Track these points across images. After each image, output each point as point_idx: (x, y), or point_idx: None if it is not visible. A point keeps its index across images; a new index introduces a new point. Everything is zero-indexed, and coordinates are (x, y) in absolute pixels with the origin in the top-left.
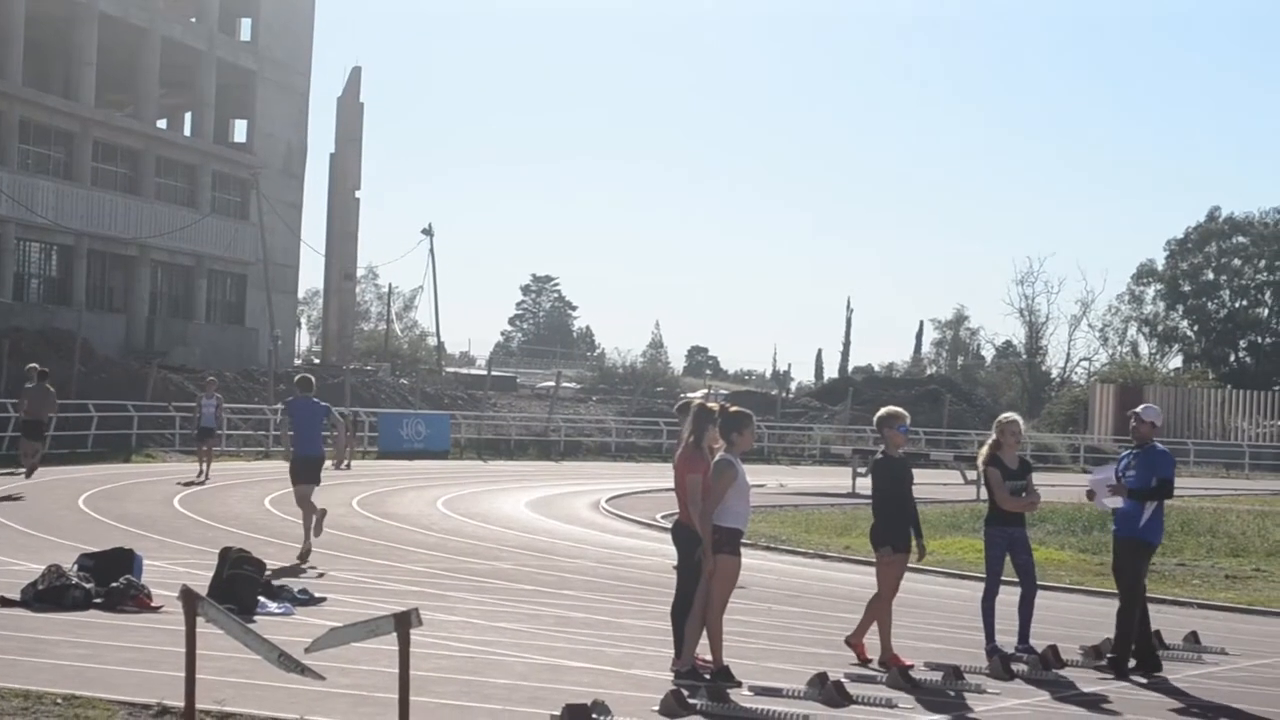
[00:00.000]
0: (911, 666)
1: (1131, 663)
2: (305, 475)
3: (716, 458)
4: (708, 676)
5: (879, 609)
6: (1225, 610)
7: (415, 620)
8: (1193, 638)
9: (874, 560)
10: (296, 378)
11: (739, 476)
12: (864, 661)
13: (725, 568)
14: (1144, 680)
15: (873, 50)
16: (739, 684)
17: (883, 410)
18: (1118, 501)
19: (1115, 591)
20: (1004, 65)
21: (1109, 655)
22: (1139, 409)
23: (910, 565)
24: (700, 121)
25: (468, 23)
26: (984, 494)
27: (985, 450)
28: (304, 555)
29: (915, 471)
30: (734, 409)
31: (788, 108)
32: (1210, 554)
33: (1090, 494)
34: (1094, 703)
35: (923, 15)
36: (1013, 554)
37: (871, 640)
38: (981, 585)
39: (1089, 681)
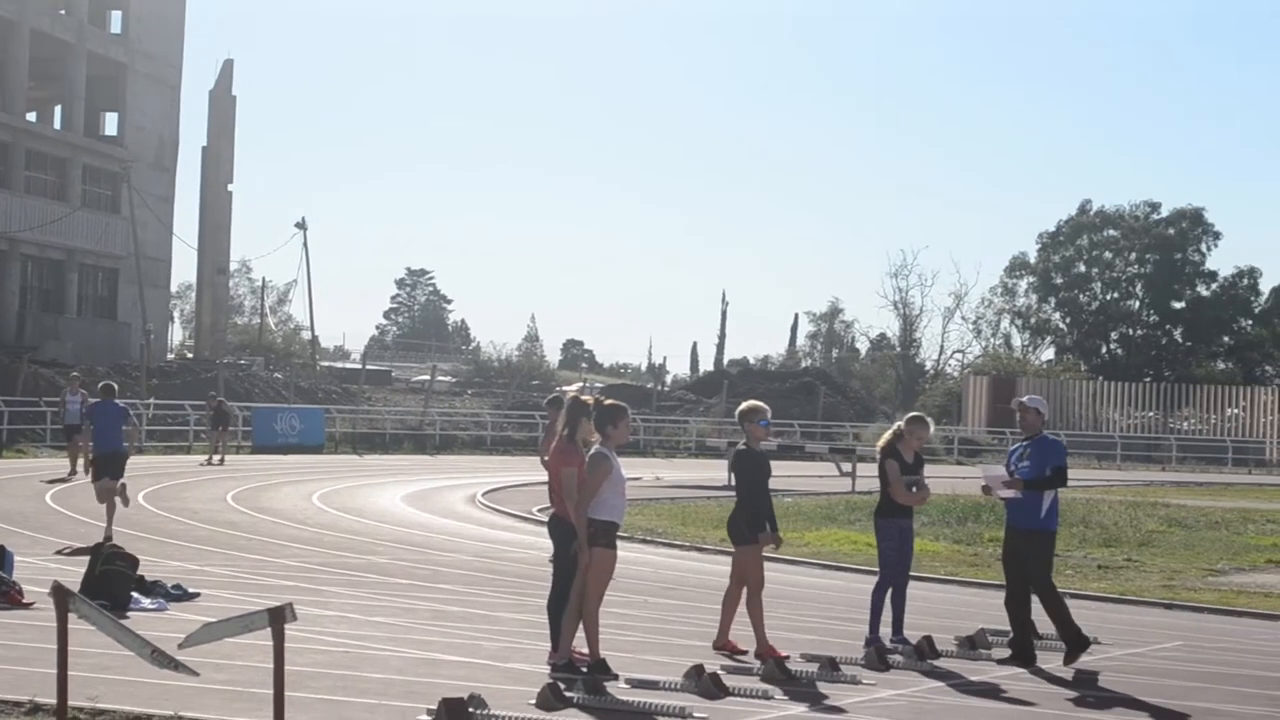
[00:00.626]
0: (787, 658)
1: (1007, 653)
2: (107, 470)
3: (591, 451)
4: (584, 670)
5: (735, 602)
6: (1098, 600)
7: (290, 615)
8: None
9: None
10: (100, 384)
11: (614, 469)
12: (737, 654)
13: (601, 561)
14: (1024, 670)
15: (746, 44)
16: (615, 677)
17: (744, 404)
18: (1014, 494)
19: (989, 582)
20: (878, 58)
21: (1010, 646)
22: (1024, 399)
23: (774, 555)
24: (574, 116)
25: (340, 16)
26: (861, 485)
27: (886, 440)
28: (106, 538)
29: (792, 464)
30: (608, 402)
31: (663, 101)
32: (1083, 544)
33: (986, 488)
34: (971, 692)
35: (796, 8)
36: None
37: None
38: (857, 576)
39: (966, 672)
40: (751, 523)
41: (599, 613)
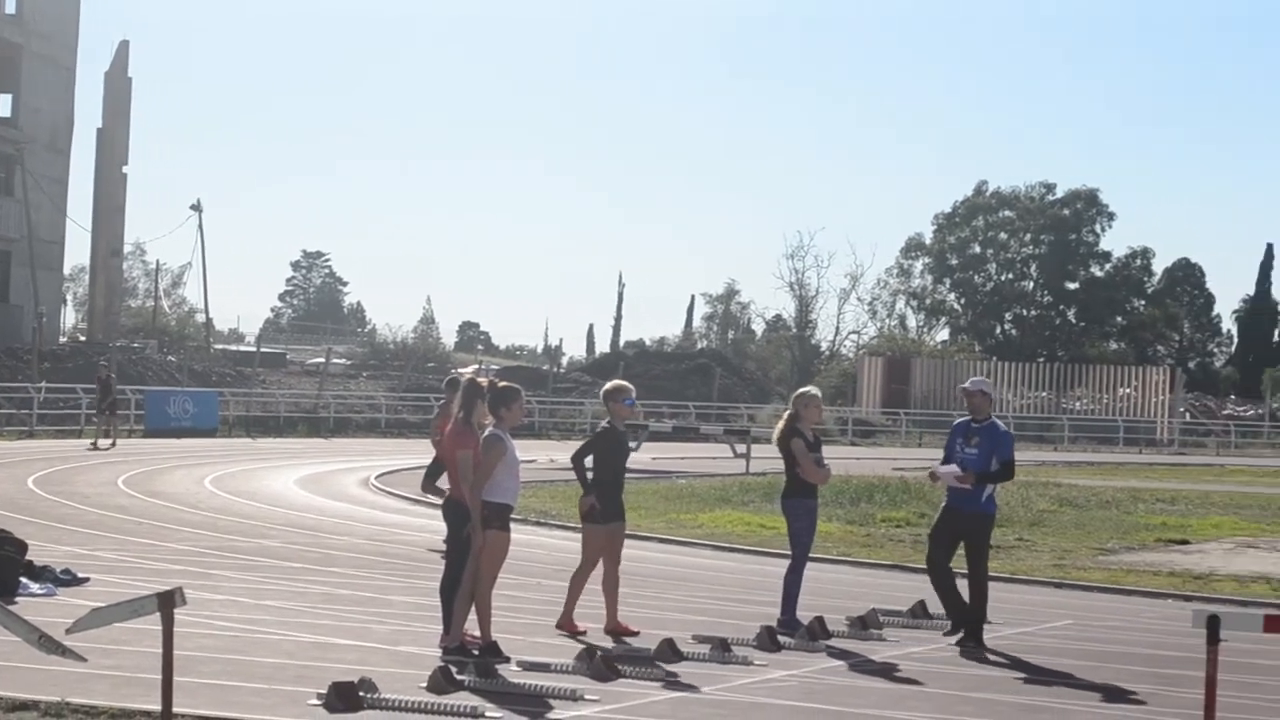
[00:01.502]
0: (637, 634)
1: (958, 634)
2: None
3: (485, 433)
4: (476, 652)
5: (583, 580)
6: (990, 580)
7: (179, 599)
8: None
9: (580, 531)
10: None
11: (508, 451)
12: (630, 634)
13: (494, 543)
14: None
15: (641, 24)
16: (507, 659)
17: (609, 384)
18: (966, 486)
19: (881, 562)
20: (774, 38)
21: (965, 628)
22: (968, 384)
23: (665, 537)
24: (468, 97)
25: None
26: (755, 467)
27: (784, 425)
28: None
29: (687, 446)
30: (503, 384)
31: (560, 82)
32: None
33: (934, 475)
34: (862, 671)
35: None
36: None
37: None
38: (750, 558)
39: (860, 651)
40: (603, 500)
41: (491, 595)
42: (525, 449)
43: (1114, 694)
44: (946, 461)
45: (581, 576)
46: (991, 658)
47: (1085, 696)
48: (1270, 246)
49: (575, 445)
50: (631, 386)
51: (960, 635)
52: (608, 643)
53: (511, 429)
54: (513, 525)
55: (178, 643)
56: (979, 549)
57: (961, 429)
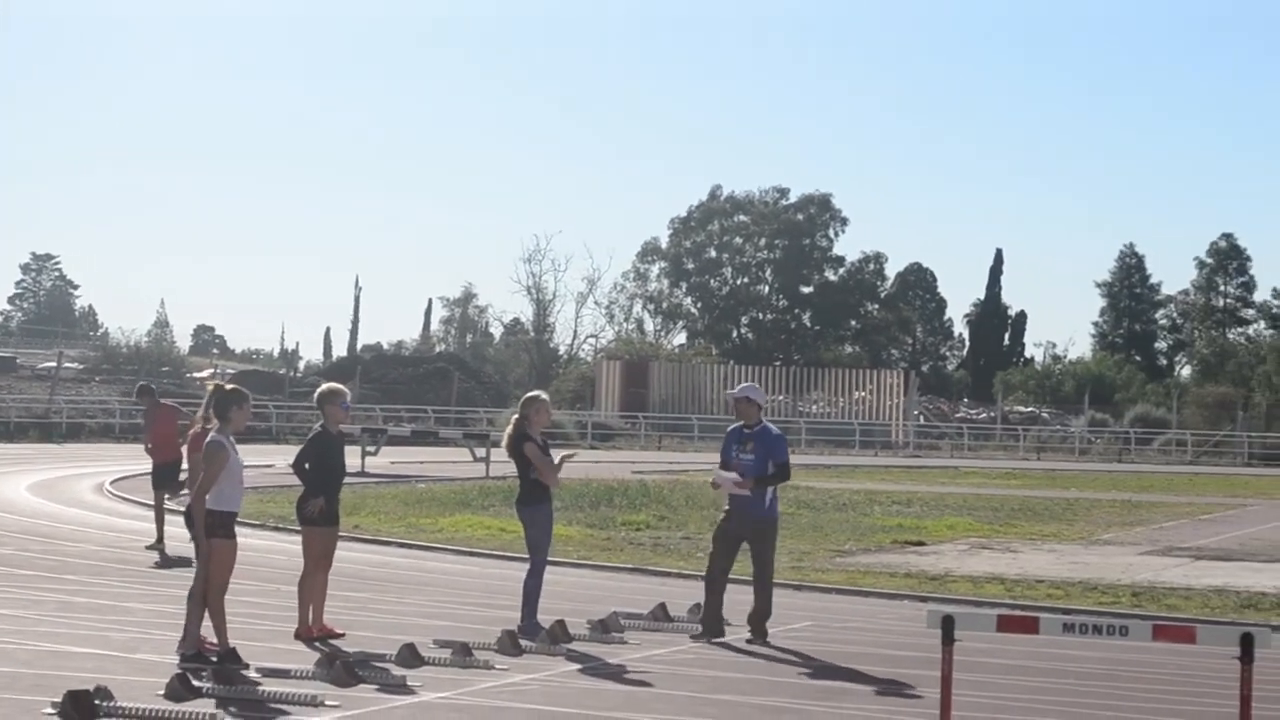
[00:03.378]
0: (342, 635)
1: (699, 629)
2: None
3: (208, 439)
4: (214, 659)
5: (313, 583)
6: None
7: None
8: (697, 609)
9: (301, 534)
10: None
11: (231, 458)
12: (335, 636)
13: (220, 551)
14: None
15: (380, 24)
16: (246, 666)
17: (323, 386)
18: (745, 491)
19: (622, 565)
20: (512, 41)
21: (702, 622)
22: (734, 391)
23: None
24: (196, 96)
25: None
26: (495, 470)
27: (512, 429)
28: None
29: (426, 450)
30: (229, 387)
31: (285, 87)
32: (713, 526)
33: (715, 484)
34: (601, 675)
35: None
36: None
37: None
38: (491, 561)
39: (600, 654)
40: (307, 506)
41: (224, 601)
42: (262, 454)
43: (853, 695)
44: (724, 468)
45: (307, 580)
46: (735, 659)
47: (825, 697)
48: (1000, 251)
49: None
50: (346, 390)
51: (699, 631)
52: (348, 648)
53: (235, 433)
54: (253, 531)
55: None
56: (764, 552)
57: (735, 435)
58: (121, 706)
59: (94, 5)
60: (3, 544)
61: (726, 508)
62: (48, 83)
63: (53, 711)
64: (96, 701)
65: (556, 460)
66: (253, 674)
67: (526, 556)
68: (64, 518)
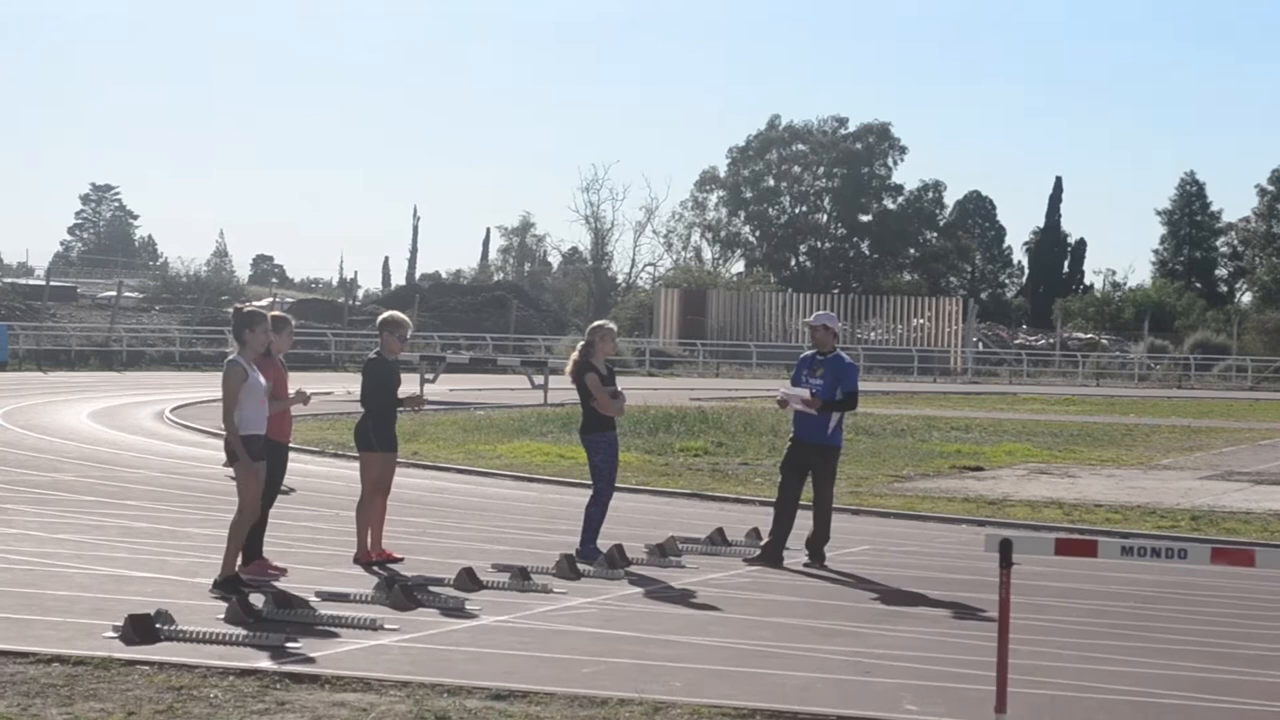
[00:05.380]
0: (401, 560)
1: (756, 553)
2: None
3: (228, 359)
4: (275, 584)
5: (371, 509)
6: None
7: None
8: (754, 534)
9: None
10: None
11: (250, 378)
12: (394, 560)
13: (245, 476)
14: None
15: None
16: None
17: (386, 314)
18: (812, 410)
19: (680, 491)
20: None
21: (763, 548)
22: (811, 319)
23: (463, 467)
24: (262, 28)
25: None
26: (553, 398)
27: (577, 357)
28: None
29: (485, 377)
30: (248, 309)
31: (349, 18)
32: (772, 453)
33: (782, 402)
34: (660, 598)
35: None
36: None
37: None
38: (550, 487)
39: (660, 578)
40: (376, 430)
41: (245, 530)
42: (321, 381)
43: (910, 618)
44: None
45: (366, 506)
46: (792, 582)
47: (881, 620)
48: (1059, 179)
49: None
50: (409, 323)
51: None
52: (409, 572)
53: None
54: (311, 458)
55: None
56: (825, 478)
57: (807, 362)
58: (182, 630)
59: None
60: (64, 470)
61: (792, 435)
62: (104, 7)
63: (114, 634)
64: (157, 625)
65: (616, 393)
66: (312, 599)
67: (585, 482)
68: (124, 444)
